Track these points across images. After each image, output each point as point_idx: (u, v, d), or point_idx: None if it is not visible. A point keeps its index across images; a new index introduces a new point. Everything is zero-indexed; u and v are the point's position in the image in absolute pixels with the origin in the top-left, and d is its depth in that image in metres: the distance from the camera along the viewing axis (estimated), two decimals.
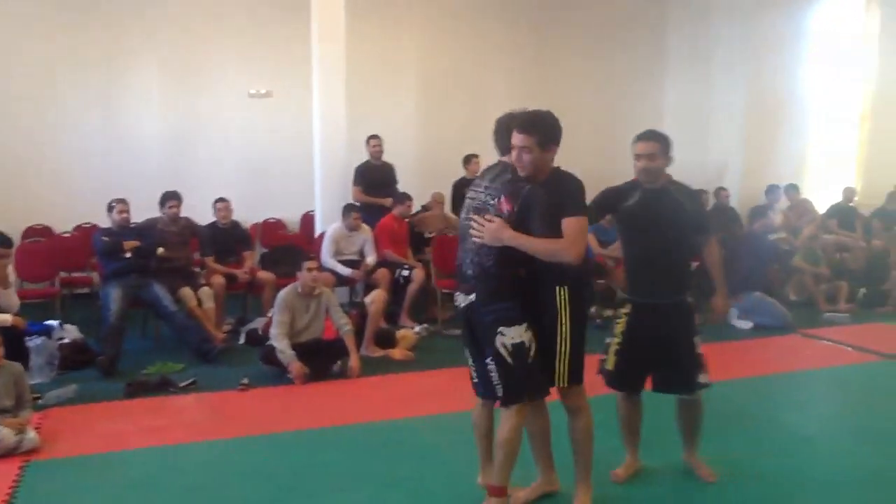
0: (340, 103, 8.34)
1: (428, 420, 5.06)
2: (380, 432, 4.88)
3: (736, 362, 6.70)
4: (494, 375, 3.40)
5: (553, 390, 3.57)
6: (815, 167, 11.94)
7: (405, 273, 7.73)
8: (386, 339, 6.84)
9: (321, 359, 6.06)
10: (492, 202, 3.38)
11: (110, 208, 6.86)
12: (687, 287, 3.96)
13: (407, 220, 8.18)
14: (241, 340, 7.10)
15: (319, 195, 8.57)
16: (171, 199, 7.31)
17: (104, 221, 7.13)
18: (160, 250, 6.94)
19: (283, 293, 6.14)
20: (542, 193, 3.30)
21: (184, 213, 7.45)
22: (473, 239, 3.37)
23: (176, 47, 9.55)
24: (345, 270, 7.55)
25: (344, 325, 6.18)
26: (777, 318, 7.85)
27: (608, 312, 6.77)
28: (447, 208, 8.79)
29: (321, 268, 6.80)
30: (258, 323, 7.08)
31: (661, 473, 4.17)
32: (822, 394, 6.14)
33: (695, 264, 4.47)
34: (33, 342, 5.98)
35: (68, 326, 6.64)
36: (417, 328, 7.45)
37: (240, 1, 9.76)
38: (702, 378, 3.93)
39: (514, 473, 3.59)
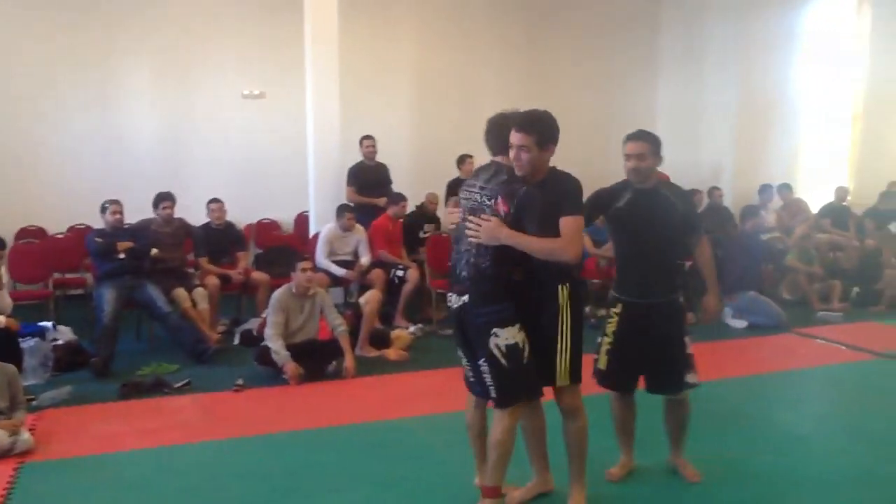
0: (334, 104, 8.34)
1: (423, 420, 5.06)
2: (375, 432, 4.88)
3: (730, 361, 6.73)
4: (488, 377, 3.39)
5: (547, 391, 3.58)
6: (807, 167, 11.97)
7: (400, 273, 7.73)
8: (381, 340, 6.85)
9: (316, 359, 6.06)
10: (488, 203, 3.36)
11: (104, 209, 6.84)
12: (678, 287, 3.97)
13: (401, 220, 8.19)
14: (236, 341, 7.09)
15: (313, 196, 8.56)
16: (164, 199, 7.29)
17: (98, 222, 7.11)
18: (154, 251, 6.93)
19: (277, 294, 6.14)
20: (538, 194, 3.30)
21: (178, 213, 7.44)
22: (470, 239, 3.35)
23: (169, 48, 9.53)
24: (339, 271, 7.55)
25: (339, 325, 6.18)
26: (771, 317, 7.88)
27: (602, 312, 6.80)
28: (441, 208, 8.81)
29: (315, 268, 6.80)
30: (252, 324, 7.06)
31: (655, 473, 4.18)
32: (816, 392, 6.17)
33: (688, 264, 4.49)
34: (27, 343, 5.97)
35: (62, 328, 6.65)
36: (412, 328, 7.45)
37: (233, 1, 9.75)
38: (690, 378, 3.94)
39: (510, 473, 3.60)
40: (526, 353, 3.38)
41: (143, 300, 6.66)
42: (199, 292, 7.07)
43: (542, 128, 3.36)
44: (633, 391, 4.06)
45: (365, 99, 9.81)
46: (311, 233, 8.53)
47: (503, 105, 3.56)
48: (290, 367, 5.81)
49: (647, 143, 3.83)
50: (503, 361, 3.33)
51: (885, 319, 8.33)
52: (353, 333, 6.51)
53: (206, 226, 7.84)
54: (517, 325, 3.36)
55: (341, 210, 7.76)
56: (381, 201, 8.30)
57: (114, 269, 6.62)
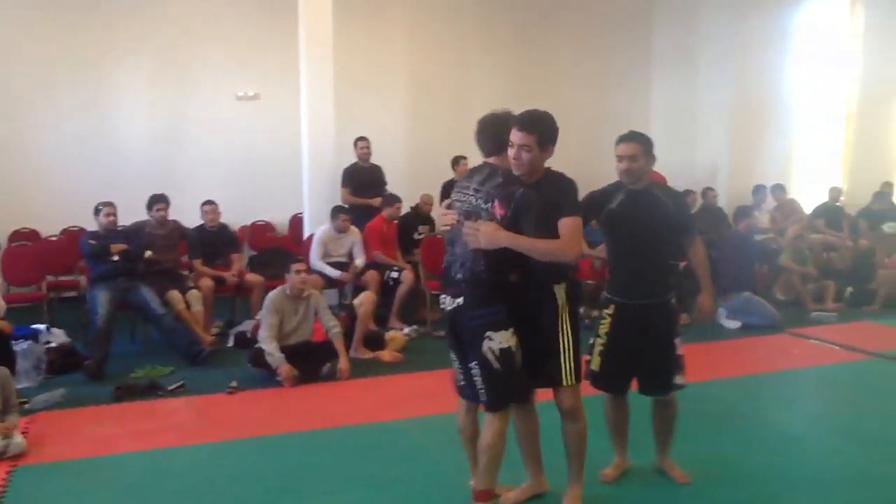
0: (328, 105, 8.34)
1: (417, 421, 5.06)
2: (369, 434, 4.87)
3: (724, 362, 6.74)
4: (478, 380, 3.38)
5: (541, 392, 3.57)
6: (801, 167, 12.00)
7: (394, 275, 7.72)
8: (375, 341, 6.84)
9: (310, 361, 6.05)
10: (484, 206, 3.35)
11: (97, 211, 6.84)
12: (670, 288, 3.98)
13: (396, 221, 8.19)
14: (230, 343, 7.09)
15: (308, 197, 8.56)
16: (158, 201, 7.28)
17: (91, 225, 7.09)
18: (148, 253, 6.92)
19: (271, 295, 6.13)
20: (535, 196, 3.29)
21: (172, 215, 7.43)
22: (469, 245, 3.31)
23: (163, 49, 9.53)
24: (333, 272, 7.54)
25: (333, 327, 6.17)
26: (766, 317, 7.89)
27: (595, 313, 6.81)
28: (435, 210, 8.80)
29: (310, 270, 6.79)
30: (247, 325, 7.06)
31: (649, 473, 4.18)
32: (810, 393, 6.18)
33: (682, 264, 4.49)
34: (20, 346, 5.95)
35: (55, 330, 6.62)
36: (406, 330, 7.44)
37: (227, 3, 9.75)
38: (678, 379, 3.94)
39: (504, 475, 3.60)
40: (518, 358, 3.37)
41: (137, 302, 6.64)
42: (194, 294, 7.06)
43: (543, 128, 3.36)
44: (625, 392, 4.06)
45: (359, 100, 9.81)
46: (306, 234, 8.53)
47: (497, 106, 3.55)
48: (285, 369, 5.80)
49: (638, 145, 3.83)
50: (496, 365, 3.32)
51: (878, 319, 8.35)
52: (348, 335, 6.50)
53: (200, 228, 7.82)
54: (511, 330, 3.35)
55: (336, 212, 7.75)
56: (376, 201, 8.30)
57: (107, 272, 6.61)
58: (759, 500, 3.96)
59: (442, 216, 3.59)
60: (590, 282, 7.85)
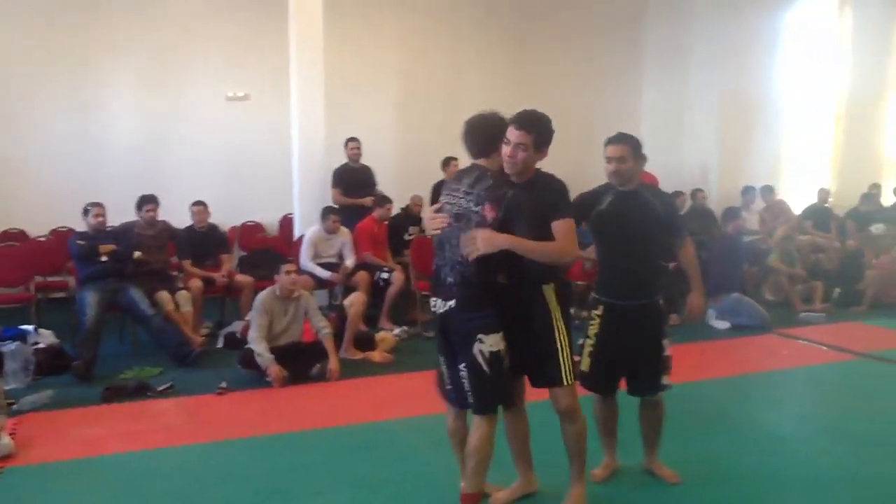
0: (318, 106, 8.34)
1: (407, 422, 5.06)
2: (359, 435, 4.87)
3: (713, 362, 6.77)
4: (466, 382, 3.38)
5: (535, 391, 3.57)
6: (790, 168, 12.06)
7: (384, 275, 7.71)
8: (365, 342, 6.84)
9: (300, 362, 6.04)
10: (475, 209, 3.32)
11: (86, 212, 6.81)
12: (659, 289, 3.99)
13: (386, 222, 8.19)
14: (220, 344, 7.07)
15: (298, 198, 8.55)
16: (147, 202, 7.26)
17: (80, 225, 7.06)
18: (137, 254, 6.90)
19: (261, 296, 6.12)
20: (525, 197, 3.28)
21: (161, 216, 7.41)
22: (469, 254, 3.27)
23: (153, 50, 9.50)
24: (324, 273, 7.53)
25: (323, 327, 6.17)
26: (755, 318, 7.92)
27: (584, 313, 6.84)
28: (426, 211, 8.79)
29: (300, 271, 6.78)
30: (236, 326, 7.04)
31: (638, 473, 4.19)
32: (799, 393, 6.21)
33: (671, 265, 4.50)
34: (8, 347, 5.94)
35: (44, 331, 6.59)
36: (397, 330, 7.44)
37: (217, 4, 9.72)
38: (664, 380, 3.96)
39: (494, 475, 3.60)
40: (506, 362, 3.37)
41: (126, 303, 6.62)
42: (183, 295, 7.04)
43: (541, 129, 3.36)
44: (614, 392, 4.07)
45: (350, 101, 9.80)
46: (296, 235, 8.51)
47: (488, 107, 3.55)
48: (274, 370, 5.79)
49: (627, 146, 3.84)
50: (485, 368, 3.31)
51: (866, 320, 8.40)
52: (338, 336, 6.49)
53: (190, 228, 7.80)
54: (501, 333, 3.35)
55: (326, 212, 7.74)
56: (368, 201, 8.30)
57: (96, 272, 6.58)
58: (748, 500, 3.98)
59: (429, 220, 3.55)
60: (580, 282, 7.86)
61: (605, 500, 3.90)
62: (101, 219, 6.78)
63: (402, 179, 9.44)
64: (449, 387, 3.55)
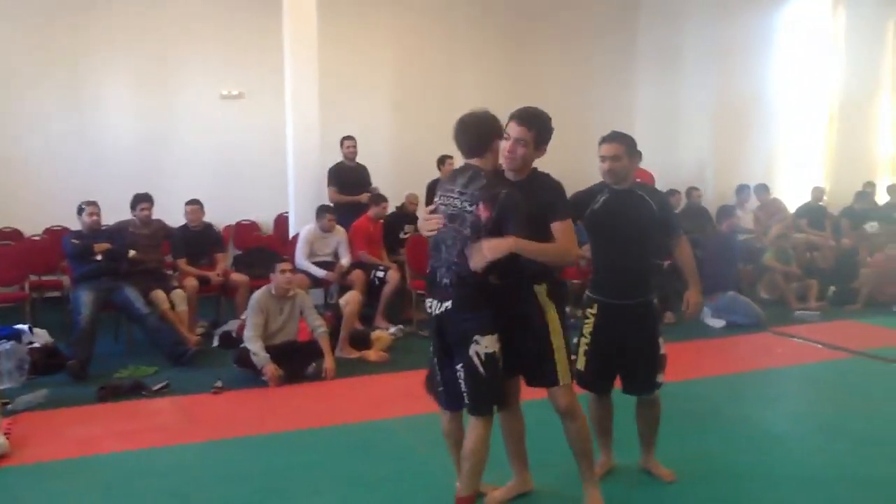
0: (313, 104, 8.33)
1: (403, 421, 5.06)
2: (355, 434, 4.87)
3: (708, 360, 6.78)
4: (463, 383, 3.36)
5: (529, 391, 3.57)
6: (784, 167, 12.08)
7: (380, 274, 7.72)
8: (361, 341, 6.83)
9: (295, 361, 6.04)
10: (469, 209, 3.30)
11: (80, 211, 6.79)
12: (653, 287, 4.00)
13: (381, 221, 8.19)
14: (215, 343, 7.06)
15: (293, 196, 8.55)
16: (142, 201, 7.25)
17: (75, 224, 7.05)
18: (132, 253, 6.88)
19: (256, 295, 6.11)
20: (520, 196, 3.26)
21: (156, 215, 7.41)
22: (475, 263, 3.23)
23: (148, 49, 9.48)
24: (319, 272, 7.53)
25: (318, 326, 6.16)
26: (751, 316, 7.94)
27: (580, 312, 6.86)
28: (421, 210, 8.79)
29: (295, 269, 6.78)
30: (232, 325, 7.04)
31: (634, 472, 4.19)
32: (793, 391, 6.22)
33: (666, 263, 4.51)
34: (2, 346, 5.93)
35: (38, 331, 6.57)
36: (392, 329, 7.44)
37: (212, 2, 9.70)
38: (659, 378, 3.97)
39: (490, 474, 3.60)
40: (501, 363, 3.36)
41: (121, 302, 6.61)
42: (178, 294, 7.03)
43: (542, 126, 3.37)
44: (610, 391, 4.07)
45: (345, 100, 9.80)
46: (291, 234, 8.51)
47: (484, 106, 3.54)
48: (270, 369, 5.79)
49: (621, 145, 3.85)
50: (480, 369, 3.31)
51: (861, 318, 8.42)
52: (334, 334, 6.49)
53: (185, 227, 7.79)
54: (496, 335, 3.34)
55: (321, 211, 7.74)
56: (364, 198, 8.30)
57: (91, 271, 6.57)
58: (743, 499, 3.99)
59: (425, 221, 3.51)
60: (575, 281, 7.87)
61: (602, 500, 3.91)
62: (95, 218, 6.77)
63: (397, 178, 9.44)
64: (441, 388, 3.53)
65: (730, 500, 3.96)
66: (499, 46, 11.10)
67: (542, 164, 3.48)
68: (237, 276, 7.66)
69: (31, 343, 6.26)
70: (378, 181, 8.81)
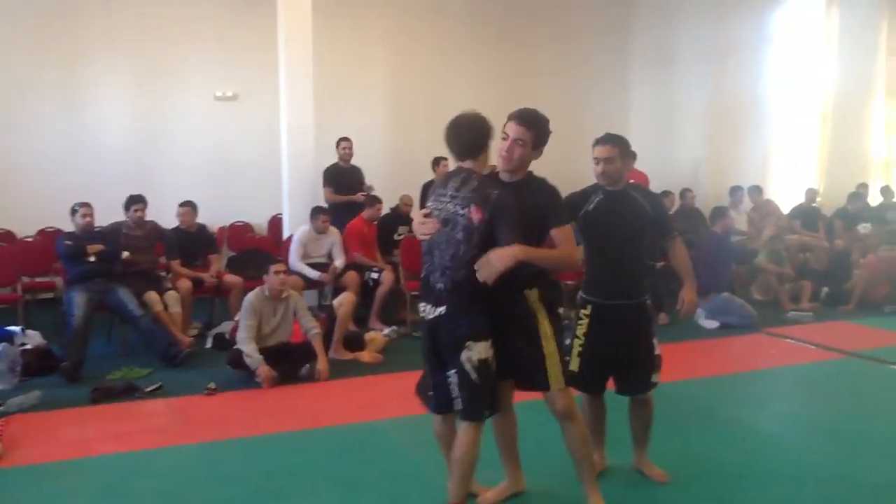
0: (308, 106, 8.33)
1: (397, 422, 5.06)
2: (349, 435, 4.87)
3: (702, 361, 6.79)
4: (454, 388, 3.33)
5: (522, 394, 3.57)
6: (778, 168, 12.10)
7: (374, 276, 7.71)
8: (355, 342, 6.83)
9: (289, 362, 6.04)
10: (461, 212, 3.28)
11: (74, 212, 6.78)
12: (646, 288, 4.00)
13: (375, 222, 8.19)
14: (208, 344, 7.05)
15: (287, 198, 8.54)
16: (136, 202, 7.24)
17: (68, 226, 7.03)
18: (125, 254, 6.87)
19: (250, 297, 6.11)
20: (512, 198, 3.24)
21: (150, 216, 7.39)
22: (485, 276, 3.13)
23: (141, 48, 9.47)
24: (313, 273, 7.52)
25: (312, 328, 6.16)
26: (745, 318, 7.96)
27: (573, 313, 6.87)
28: (415, 211, 8.79)
29: (289, 271, 6.77)
30: (225, 327, 7.03)
31: (627, 472, 4.20)
32: (787, 391, 6.24)
33: (659, 265, 4.51)
34: None
35: (31, 332, 6.56)
36: (386, 330, 7.44)
37: (206, 3, 9.70)
38: (654, 378, 3.98)
39: (482, 475, 3.60)
40: (493, 370, 3.34)
41: (114, 304, 6.59)
42: (171, 295, 7.02)
43: (540, 127, 3.37)
44: (603, 392, 4.08)
45: (339, 101, 9.80)
46: (285, 235, 8.50)
47: (478, 107, 3.53)
48: (263, 371, 5.78)
49: (614, 147, 3.86)
50: (473, 375, 3.27)
51: (854, 319, 8.45)
52: (328, 336, 6.49)
53: (178, 228, 7.78)
54: (489, 341, 3.31)
55: (315, 212, 7.73)
56: (360, 197, 8.30)
57: (84, 273, 6.56)
58: (736, 499, 4.00)
59: (419, 224, 3.48)
60: (569, 282, 7.87)
61: None
62: (88, 219, 6.76)
63: (391, 179, 9.43)
64: (430, 392, 3.52)
65: (723, 500, 3.97)
66: (493, 47, 11.11)
67: (537, 163, 3.48)
68: (231, 278, 7.65)
69: (23, 345, 6.25)
70: (372, 182, 8.81)
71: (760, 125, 11.86)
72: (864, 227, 10.30)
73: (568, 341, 3.99)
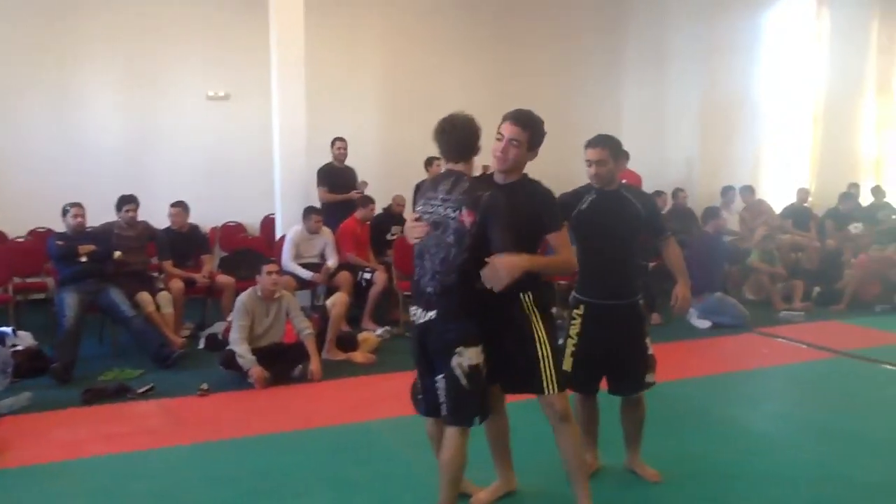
0: (300, 106, 8.32)
1: (390, 422, 5.05)
2: (341, 435, 4.86)
3: (694, 361, 6.81)
4: (442, 393, 3.31)
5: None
6: (770, 168, 12.14)
7: (367, 276, 7.71)
8: (347, 343, 6.82)
9: (282, 363, 6.02)
10: (452, 216, 3.24)
11: (65, 212, 6.76)
12: (639, 288, 4.01)
13: (368, 222, 8.18)
14: (201, 345, 7.03)
15: (279, 198, 8.52)
16: (127, 202, 7.21)
17: (59, 226, 7.01)
18: (117, 254, 6.84)
19: (242, 297, 6.09)
20: (503, 199, 3.21)
21: (141, 216, 7.36)
22: (493, 285, 3.10)
23: (133, 49, 9.43)
24: (306, 273, 7.51)
25: (304, 328, 6.15)
26: (737, 318, 7.98)
27: (566, 313, 6.87)
28: (408, 211, 8.79)
29: (281, 271, 6.75)
30: (218, 327, 7.01)
31: (619, 473, 4.21)
32: (779, 391, 6.26)
33: (651, 265, 4.52)
34: None
35: (22, 333, 6.52)
36: (379, 331, 7.43)
37: (198, 2, 9.67)
38: (648, 378, 3.98)
39: (475, 475, 3.60)
40: (484, 375, 3.30)
41: (106, 304, 6.57)
42: (164, 296, 6.99)
43: (535, 128, 3.35)
44: (596, 392, 4.08)
45: (331, 101, 9.79)
46: (278, 235, 8.49)
47: (469, 107, 3.53)
48: (256, 371, 5.77)
49: (605, 149, 3.86)
50: (462, 381, 3.24)
51: (845, 319, 8.49)
52: (320, 336, 6.48)
53: (170, 229, 7.76)
54: (480, 346, 3.28)
55: (308, 212, 7.72)
56: (355, 195, 8.30)
57: (75, 273, 6.53)
58: (729, 498, 4.01)
59: (410, 228, 3.45)
60: (562, 282, 7.89)
61: None
62: (80, 219, 6.74)
63: (384, 180, 9.41)
64: (420, 396, 3.50)
65: (715, 500, 3.98)
66: (486, 48, 11.10)
67: (529, 163, 3.48)
68: (223, 278, 7.63)
69: (14, 346, 6.21)
70: (365, 181, 8.80)
71: (752, 125, 11.92)
72: (855, 227, 10.35)
73: (561, 341, 3.99)
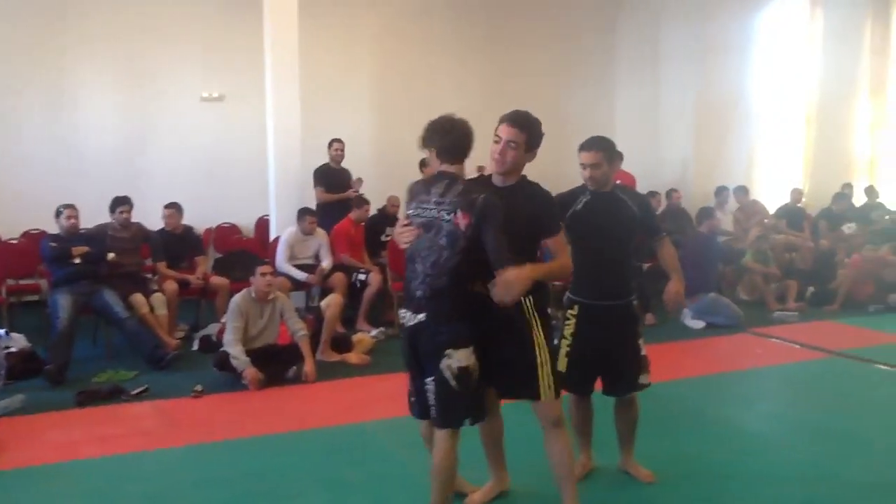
0: (294, 107, 8.30)
1: (384, 423, 5.05)
2: (336, 437, 4.86)
3: (688, 361, 6.82)
4: (431, 396, 3.29)
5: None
6: (763, 169, 12.17)
7: (361, 277, 7.70)
8: (342, 344, 6.81)
9: (276, 364, 6.02)
10: (447, 218, 3.22)
11: (59, 214, 6.74)
12: (633, 289, 4.02)
13: (363, 223, 8.18)
14: (195, 347, 7.01)
15: (274, 199, 8.51)
16: (121, 204, 7.20)
17: (52, 227, 6.99)
18: (110, 256, 6.83)
19: (236, 298, 6.08)
20: (498, 202, 3.18)
21: (135, 218, 7.35)
22: (503, 298, 3.09)
23: (127, 50, 9.41)
24: (300, 275, 7.50)
25: (299, 330, 6.14)
26: (732, 318, 7.99)
27: (561, 314, 6.88)
28: (402, 212, 8.78)
29: (276, 272, 6.75)
30: (212, 329, 7.01)
31: (614, 473, 4.21)
32: (772, 391, 6.27)
33: (646, 266, 4.53)
34: None
35: (15, 335, 6.49)
36: (374, 332, 7.43)
37: (192, 3, 9.65)
38: (642, 379, 3.99)
39: (469, 475, 3.60)
40: (475, 377, 3.28)
41: (100, 306, 6.56)
42: (157, 298, 6.98)
43: (533, 129, 3.34)
44: (590, 393, 4.09)
45: (326, 102, 9.78)
46: (272, 237, 8.47)
47: (464, 108, 3.53)
48: (250, 373, 5.76)
49: (599, 152, 3.87)
50: (452, 383, 3.22)
51: (839, 318, 8.51)
52: (315, 337, 6.47)
53: (164, 230, 7.74)
54: (471, 348, 3.26)
55: (302, 213, 7.72)
56: (351, 194, 8.29)
57: (69, 275, 6.52)
58: (723, 499, 4.02)
59: (399, 234, 3.42)
60: (556, 283, 7.89)
61: (581, 501, 3.91)
62: (73, 221, 6.72)
63: (378, 180, 9.39)
64: (412, 399, 3.48)
65: (710, 500, 3.99)
66: (479, 48, 11.11)
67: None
68: (217, 280, 7.62)
69: (7, 348, 6.19)
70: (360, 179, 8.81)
71: (746, 125, 11.94)
72: (848, 227, 10.38)
73: (555, 342, 3.99)
